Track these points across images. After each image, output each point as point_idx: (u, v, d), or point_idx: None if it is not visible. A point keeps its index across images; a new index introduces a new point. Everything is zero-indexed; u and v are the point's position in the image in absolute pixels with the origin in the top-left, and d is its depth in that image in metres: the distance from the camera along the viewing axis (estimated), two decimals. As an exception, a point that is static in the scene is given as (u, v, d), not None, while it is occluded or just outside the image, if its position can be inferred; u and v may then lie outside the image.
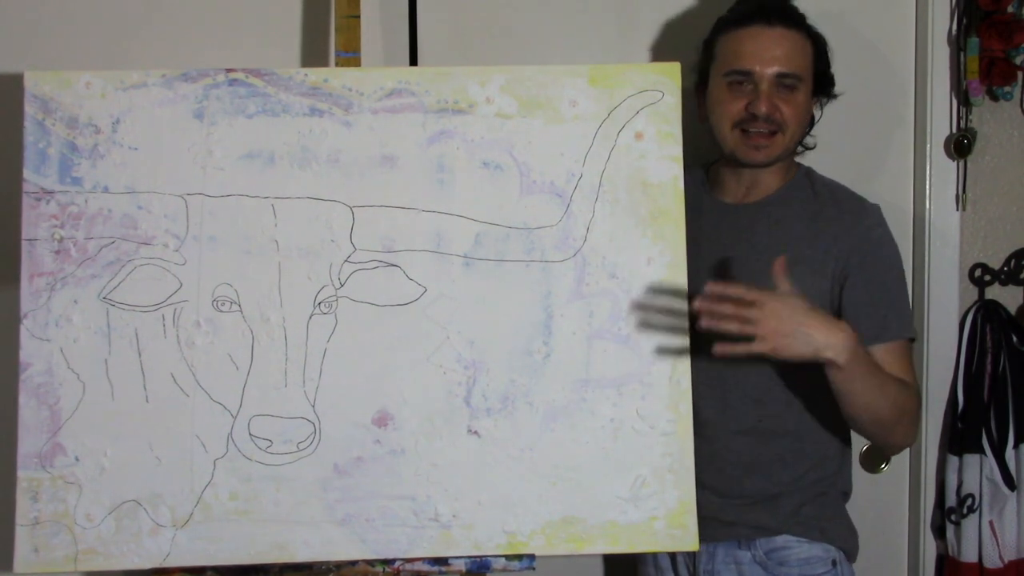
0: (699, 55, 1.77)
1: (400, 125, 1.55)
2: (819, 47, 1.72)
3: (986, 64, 1.96)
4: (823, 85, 1.75)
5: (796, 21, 1.69)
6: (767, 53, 1.65)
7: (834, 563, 1.69)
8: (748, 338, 1.47)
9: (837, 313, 1.64)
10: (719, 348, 1.47)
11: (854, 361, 1.50)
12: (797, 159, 1.80)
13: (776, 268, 1.50)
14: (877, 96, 2.01)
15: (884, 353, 1.62)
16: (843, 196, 1.73)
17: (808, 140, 1.79)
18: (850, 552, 1.73)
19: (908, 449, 2.07)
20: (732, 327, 1.46)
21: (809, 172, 1.77)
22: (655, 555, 1.78)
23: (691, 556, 1.72)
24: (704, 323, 1.47)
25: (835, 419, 1.68)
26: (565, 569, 2.00)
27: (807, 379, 1.62)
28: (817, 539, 1.68)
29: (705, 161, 1.83)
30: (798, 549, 1.68)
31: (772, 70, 1.65)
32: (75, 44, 1.90)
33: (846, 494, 1.76)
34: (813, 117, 1.78)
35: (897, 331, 1.66)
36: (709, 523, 1.65)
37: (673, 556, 1.76)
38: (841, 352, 1.48)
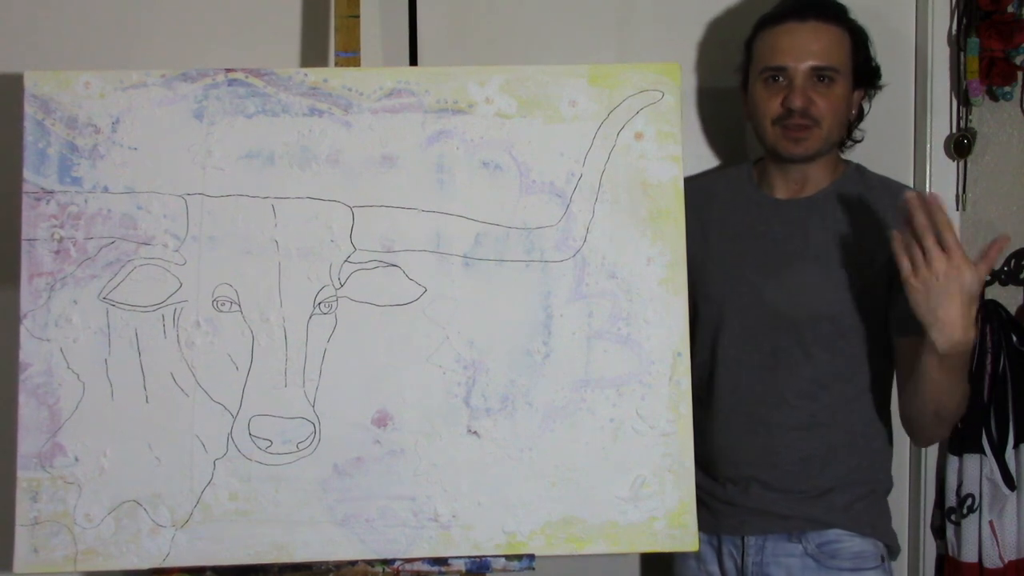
0: (741, 56, 1.78)
1: (400, 125, 1.55)
2: (858, 39, 1.72)
3: (986, 64, 1.96)
4: (867, 77, 1.75)
5: (831, 15, 1.69)
6: (800, 48, 1.66)
7: (882, 559, 1.71)
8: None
9: (889, 304, 1.64)
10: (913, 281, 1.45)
11: (965, 355, 1.50)
12: (846, 156, 1.80)
13: (993, 249, 1.47)
14: (877, 96, 2.01)
15: None
16: (896, 188, 1.73)
17: (856, 134, 1.80)
18: (893, 549, 1.75)
19: (908, 449, 2.08)
20: (917, 255, 1.45)
21: (860, 168, 1.78)
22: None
23: (739, 548, 1.72)
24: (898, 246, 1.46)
25: (882, 413, 1.70)
26: (602, 562, 2.02)
27: (857, 372, 1.67)
28: (868, 534, 1.70)
29: (752, 158, 1.86)
30: (849, 543, 1.68)
31: (806, 65, 1.66)
32: (75, 44, 1.90)
33: (888, 490, 1.77)
34: (863, 110, 1.79)
35: None
36: (761, 516, 1.68)
37: (719, 549, 1.75)
38: (969, 344, 1.48)
